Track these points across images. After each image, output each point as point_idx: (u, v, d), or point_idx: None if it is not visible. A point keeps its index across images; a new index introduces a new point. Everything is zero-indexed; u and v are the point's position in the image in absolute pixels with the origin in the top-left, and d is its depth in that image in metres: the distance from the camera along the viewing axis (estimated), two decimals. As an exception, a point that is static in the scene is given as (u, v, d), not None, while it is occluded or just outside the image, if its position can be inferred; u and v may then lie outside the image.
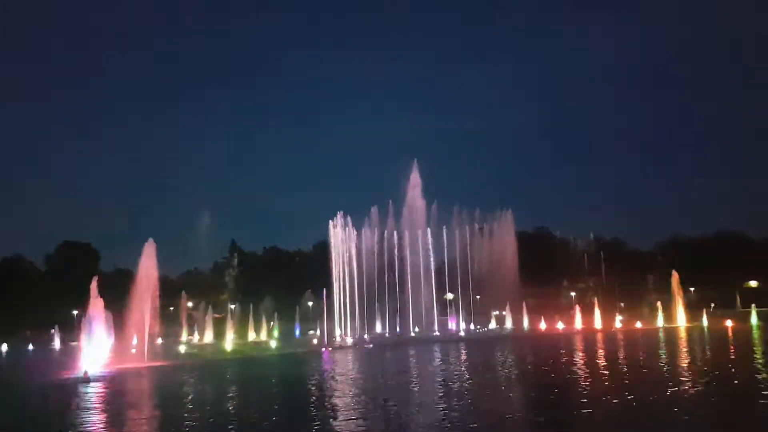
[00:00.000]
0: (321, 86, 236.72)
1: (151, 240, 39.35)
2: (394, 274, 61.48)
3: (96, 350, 30.32)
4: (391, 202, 65.02)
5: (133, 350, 40.33)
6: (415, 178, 62.55)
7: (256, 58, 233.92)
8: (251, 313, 69.79)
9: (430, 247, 61.03)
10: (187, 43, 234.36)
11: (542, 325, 62.61)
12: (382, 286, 60.60)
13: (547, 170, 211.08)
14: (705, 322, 61.21)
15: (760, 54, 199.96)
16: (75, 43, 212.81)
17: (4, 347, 63.47)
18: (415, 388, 20.97)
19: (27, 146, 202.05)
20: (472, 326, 61.62)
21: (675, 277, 67.39)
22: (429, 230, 61.72)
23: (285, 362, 37.80)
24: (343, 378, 25.37)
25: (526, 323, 64.04)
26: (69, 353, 39.71)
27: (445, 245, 62.91)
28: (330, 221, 62.74)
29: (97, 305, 30.83)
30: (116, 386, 24.45)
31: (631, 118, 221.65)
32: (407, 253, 61.20)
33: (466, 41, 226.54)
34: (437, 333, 56.87)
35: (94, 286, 30.87)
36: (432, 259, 61.53)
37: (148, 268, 38.27)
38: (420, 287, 60.00)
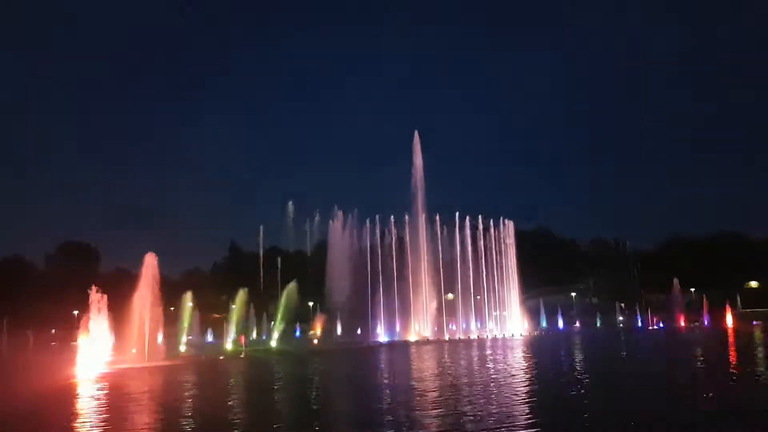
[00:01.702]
0: (321, 87, 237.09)
1: (150, 254, 39.66)
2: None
3: (95, 351, 30.26)
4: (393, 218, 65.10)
5: (134, 350, 40.37)
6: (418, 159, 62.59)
7: (256, 58, 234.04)
8: (252, 313, 69.78)
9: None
10: (186, 43, 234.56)
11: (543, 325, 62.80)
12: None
13: (547, 170, 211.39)
14: (706, 322, 61.38)
15: (760, 54, 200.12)
16: (75, 42, 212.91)
17: (5, 346, 63.50)
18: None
19: (27, 146, 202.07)
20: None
21: (675, 282, 68.35)
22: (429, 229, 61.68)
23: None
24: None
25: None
26: (69, 353, 39.61)
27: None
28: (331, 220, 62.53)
29: (95, 313, 30.73)
30: (119, 385, 24.39)
31: (632, 118, 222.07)
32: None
33: (467, 41, 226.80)
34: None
35: (93, 294, 30.66)
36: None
37: (149, 273, 38.44)
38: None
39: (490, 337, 57.59)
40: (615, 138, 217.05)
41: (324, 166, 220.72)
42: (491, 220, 65.53)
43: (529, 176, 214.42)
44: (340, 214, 67.15)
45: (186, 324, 55.32)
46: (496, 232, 65.44)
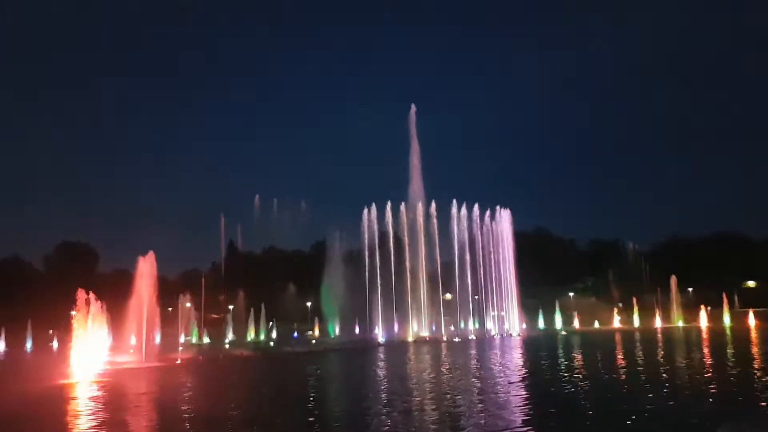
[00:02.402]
0: (321, 87, 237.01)
1: (151, 252, 39.37)
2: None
3: (92, 351, 30.19)
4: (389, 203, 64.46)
5: (131, 350, 40.45)
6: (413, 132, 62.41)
7: (256, 59, 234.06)
8: (251, 314, 69.83)
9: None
10: (187, 43, 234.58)
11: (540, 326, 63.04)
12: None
13: (547, 170, 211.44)
14: (704, 322, 61.50)
15: (759, 54, 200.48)
16: (75, 42, 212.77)
17: (2, 347, 63.53)
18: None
19: (26, 146, 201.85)
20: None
21: (673, 280, 68.19)
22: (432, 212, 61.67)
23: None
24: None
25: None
26: (67, 353, 39.63)
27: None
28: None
29: (92, 314, 30.52)
30: (116, 385, 24.42)
31: (631, 118, 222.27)
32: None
33: (467, 41, 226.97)
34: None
35: (85, 297, 30.38)
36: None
37: (146, 273, 38.29)
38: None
39: (488, 337, 57.70)
40: (615, 138, 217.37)
41: (324, 165, 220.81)
42: (488, 209, 65.34)
43: (529, 176, 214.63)
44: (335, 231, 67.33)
45: (184, 324, 55.29)
46: (493, 224, 65.28)
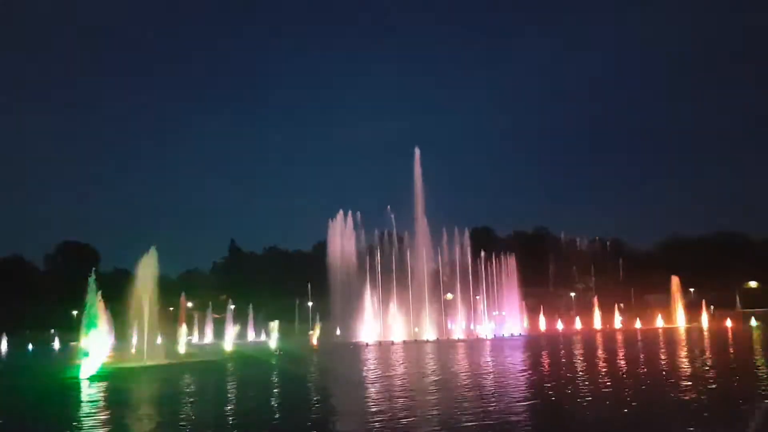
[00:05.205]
0: (321, 86, 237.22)
1: (153, 248, 39.10)
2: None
3: (94, 351, 30.23)
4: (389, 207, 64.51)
5: (133, 350, 40.49)
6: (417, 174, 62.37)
7: (257, 59, 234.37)
8: (251, 314, 69.87)
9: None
10: (187, 43, 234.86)
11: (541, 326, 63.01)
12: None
13: (547, 170, 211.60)
14: (705, 322, 61.47)
15: (759, 53, 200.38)
16: (75, 41, 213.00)
17: (4, 345, 63.63)
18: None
19: (27, 146, 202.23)
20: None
21: (674, 280, 67.99)
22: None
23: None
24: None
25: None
26: (68, 353, 39.72)
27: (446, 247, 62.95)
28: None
29: (96, 305, 30.50)
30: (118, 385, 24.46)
31: (631, 118, 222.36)
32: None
33: (467, 39, 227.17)
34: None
35: (91, 285, 30.37)
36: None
37: (147, 271, 38.14)
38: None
39: (490, 337, 57.65)
40: (615, 138, 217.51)
41: (324, 165, 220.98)
42: (493, 254, 65.28)
43: (529, 176, 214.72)
44: (339, 214, 66.99)
45: (185, 324, 55.26)
46: (497, 262, 65.34)
